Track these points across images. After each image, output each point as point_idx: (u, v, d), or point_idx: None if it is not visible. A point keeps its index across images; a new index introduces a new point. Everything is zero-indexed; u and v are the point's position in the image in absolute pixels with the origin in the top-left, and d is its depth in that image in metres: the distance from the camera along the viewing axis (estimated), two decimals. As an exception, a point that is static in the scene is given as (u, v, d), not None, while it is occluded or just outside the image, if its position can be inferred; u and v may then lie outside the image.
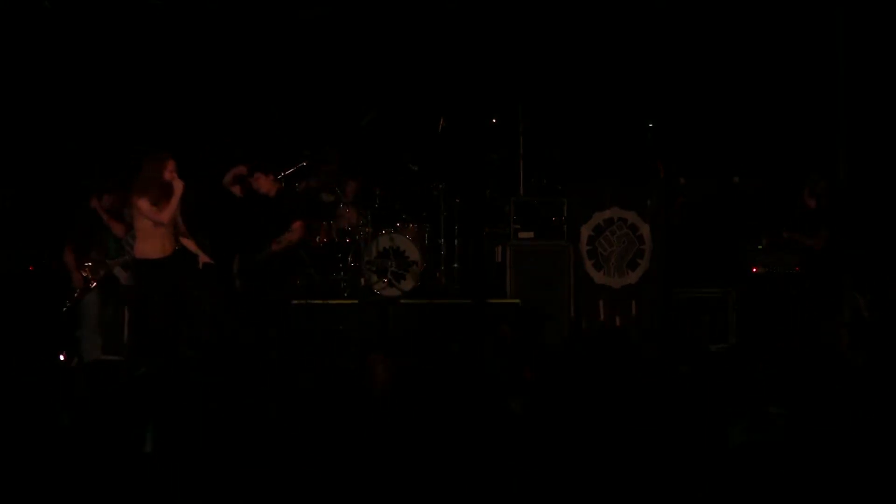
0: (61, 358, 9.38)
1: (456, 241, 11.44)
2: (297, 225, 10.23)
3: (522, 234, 11.25)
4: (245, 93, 11.93)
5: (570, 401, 5.71)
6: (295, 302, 10.32)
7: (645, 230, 10.80)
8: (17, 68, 11.27)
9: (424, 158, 11.74)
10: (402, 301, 10.71)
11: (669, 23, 11.92)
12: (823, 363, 6.57)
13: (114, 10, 11.35)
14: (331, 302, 10.48)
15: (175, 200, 8.61)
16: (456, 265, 11.41)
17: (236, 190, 10.27)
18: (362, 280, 10.88)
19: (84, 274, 9.97)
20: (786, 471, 4.67)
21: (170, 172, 8.63)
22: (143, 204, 8.62)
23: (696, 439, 5.19)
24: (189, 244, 9.04)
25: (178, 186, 8.61)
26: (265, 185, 10.26)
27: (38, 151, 11.42)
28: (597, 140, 11.95)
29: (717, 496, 4.62)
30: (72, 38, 11.35)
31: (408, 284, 10.87)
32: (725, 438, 5.16)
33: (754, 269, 10.77)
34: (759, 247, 10.79)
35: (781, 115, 12.05)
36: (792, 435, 5.04)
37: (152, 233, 8.70)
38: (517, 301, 10.75)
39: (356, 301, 10.66)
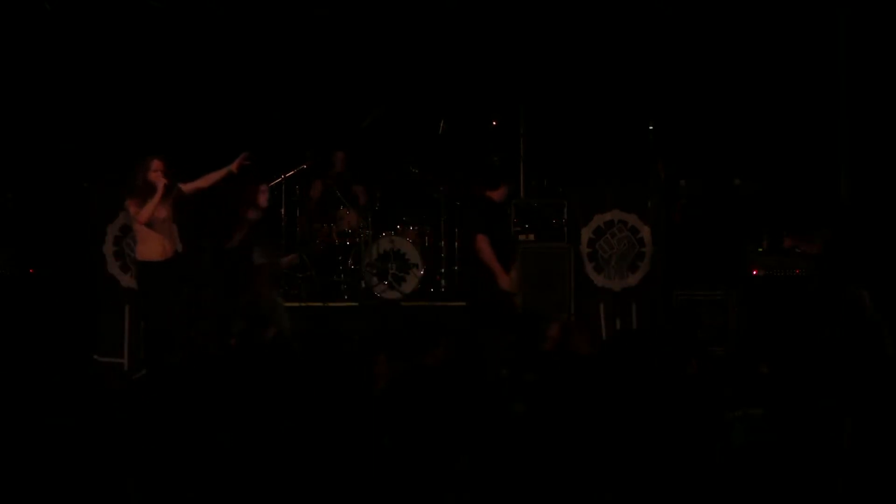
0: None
1: (456, 244, 11.44)
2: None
3: (523, 237, 11.25)
4: (246, 95, 11.93)
5: (570, 402, 5.70)
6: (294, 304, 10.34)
7: (646, 232, 10.77)
8: (17, 68, 11.27)
9: (425, 161, 11.74)
10: (403, 303, 10.70)
11: (670, 24, 11.92)
12: (823, 365, 6.56)
13: (114, 11, 11.35)
14: (331, 304, 10.47)
15: (155, 199, 8.58)
16: (456, 267, 11.40)
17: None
18: (362, 282, 10.88)
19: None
20: (785, 471, 4.66)
21: (153, 173, 8.61)
22: (130, 205, 8.65)
23: (696, 441, 5.18)
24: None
25: (160, 186, 8.58)
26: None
27: (39, 153, 11.41)
28: (597, 142, 11.95)
29: (718, 496, 4.61)
30: (72, 38, 11.34)
31: (408, 287, 10.87)
32: (726, 440, 5.15)
33: (755, 272, 10.75)
34: (760, 249, 10.78)
35: (782, 116, 12.04)
36: (790, 436, 5.04)
37: (149, 234, 8.69)
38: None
39: (356, 304, 10.66)
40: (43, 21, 11.21)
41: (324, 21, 11.87)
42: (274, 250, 9.79)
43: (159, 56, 11.64)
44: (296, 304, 10.48)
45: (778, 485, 4.63)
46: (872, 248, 10.36)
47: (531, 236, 11.23)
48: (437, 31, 11.90)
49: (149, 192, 8.60)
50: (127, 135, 11.25)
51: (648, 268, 10.71)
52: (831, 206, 10.74)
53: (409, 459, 5.07)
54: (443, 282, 11.34)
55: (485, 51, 11.96)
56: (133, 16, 11.41)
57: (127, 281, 10.22)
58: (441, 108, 11.83)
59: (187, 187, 8.86)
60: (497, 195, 9.17)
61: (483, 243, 8.93)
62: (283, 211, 11.21)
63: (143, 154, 8.83)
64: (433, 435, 5.26)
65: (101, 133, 11.45)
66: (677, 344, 7.84)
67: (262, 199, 9.65)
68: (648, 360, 6.82)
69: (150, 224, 8.64)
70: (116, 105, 11.56)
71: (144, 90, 11.61)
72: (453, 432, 5.26)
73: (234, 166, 8.89)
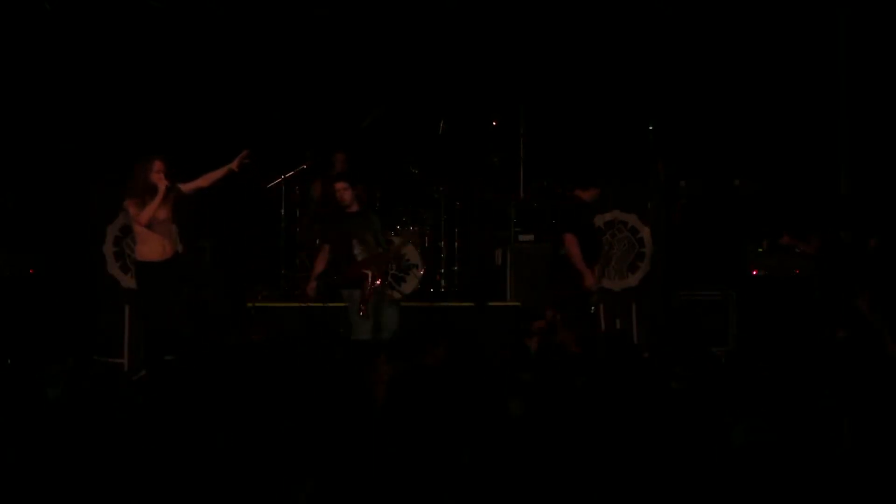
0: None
1: (456, 244, 11.43)
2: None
3: (523, 237, 11.25)
4: (246, 95, 11.93)
5: (570, 404, 5.69)
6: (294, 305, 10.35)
7: (645, 233, 10.77)
8: (17, 68, 11.27)
9: (425, 161, 11.74)
10: (403, 304, 10.68)
11: (670, 25, 11.92)
12: (823, 365, 6.56)
13: (114, 11, 11.35)
14: (330, 305, 10.45)
15: (156, 201, 8.57)
16: (456, 268, 11.39)
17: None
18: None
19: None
20: (785, 471, 4.66)
21: (155, 174, 8.60)
22: (130, 206, 8.64)
23: (695, 442, 5.18)
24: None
25: (162, 187, 8.57)
26: None
27: (39, 153, 11.41)
28: (597, 142, 11.95)
29: (718, 497, 4.61)
30: (72, 38, 11.34)
31: (408, 287, 10.85)
32: (726, 441, 5.15)
33: (754, 272, 10.76)
34: (760, 249, 10.78)
35: (782, 116, 12.05)
36: (791, 436, 5.03)
37: (149, 235, 8.68)
38: (518, 304, 10.74)
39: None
40: (43, 21, 11.21)
41: (324, 21, 11.87)
42: (375, 242, 9.66)
43: (159, 56, 11.63)
44: (296, 305, 10.48)
45: (778, 485, 4.63)
46: (872, 247, 10.36)
47: (531, 237, 11.24)
48: (437, 31, 11.90)
49: (149, 192, 8.60)
50: (127, 135, 11.24)
51: (648, 268, 10.70)
52: (831, 206, 10.74)
53: (409, 460, 5.06)
54: (443, 282, 11.34)
55: (485, 51, 11.95)
56: (133, 16, 11.41)
57: (127, 281, 10.23)
58: (441, 108, 11.82)
59: (187, 187, 8.86)
60: (588, 196, 9.20)
61: (571, 243, 8.93)
62: (282, 211, 11.20)
63: (143, 154, 8.83)
64: (433, 435, 5.26)
65: (101, 133, 11.44)
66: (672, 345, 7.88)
67: (342, 196, 9.64)
68: (637, 360, 6.84)
69: (149, 225, 8.64)
70: (116, 105, 11.55)
71: (144, 90, 11.60)
72: (454, 433, 5.26)
73: (234, 164, 8.89)
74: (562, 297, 9.22)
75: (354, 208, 9.59)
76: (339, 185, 9.62)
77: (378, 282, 9.38)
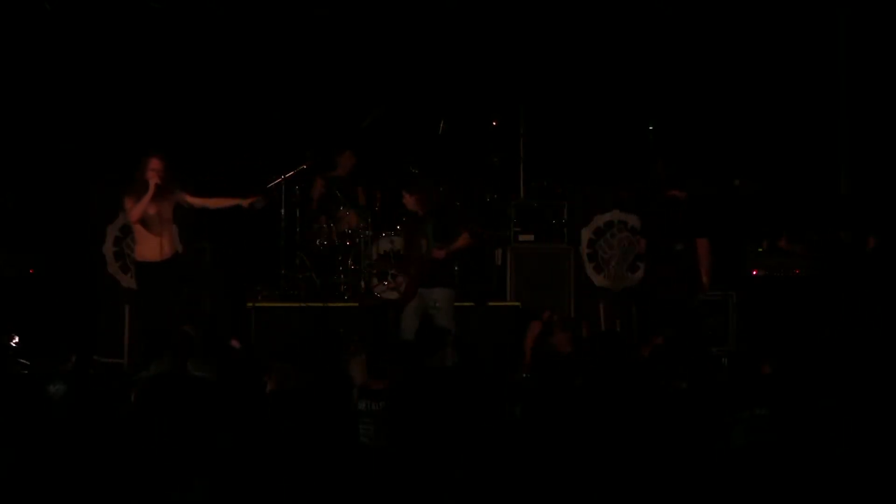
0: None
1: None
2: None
3: (523, 237, 11.25)
4: (246, 95, 11.92)
5: (570, 404, 5.69)
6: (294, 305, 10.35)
7: (646, 232, 10.77)
8: (17, 68, 11.27)
9: (425, 161, 11.73)
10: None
11: (670, 25, 11.92)
12: (823, 365, 6.56)
13: (114, 11, 11.35)
14: (331, 305, 10.46)
15: (146, 198, 8.57)
16: (456, 268, 11.37)
17: None
18: (362, 283, 10.87)
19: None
20: (785, 472, 4.66)
21: (149, 171, 8.60)
22: (126, 202, 8.66)
23: (695, 442, 5.18)
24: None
25: (152, 184, 8.56)
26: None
27: (39, 153, 11.41)
28: (597, 142, 11.95)
29: (718, 497, 4.61)
30: (72, 38, 11.34)
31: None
32: (726, 441, 5.15)
33: (754, 272, 10.76)
34: (760, 249, 10.78)
35: (782, 116, 12.05)
36: (791, 436, 5.03)
37: (148, 235, 8.69)
38: (518, 304, 10.74)
39: (356, 304, 10.64)
40: (43, 21, 11.21)
41: (324, 21, 11.86)
42: (425, 247, 9.69)
43: (159, 56, 11.63)
44: (296, 305, 10.48)
45: (778, 485, 4.63)
46: (872, 247, 10.37)
47: (531, 237, 11.24)
48: (436, 31, 11.90)
49: (143, 190, 8.61)
50: (127, 135, 11.24)
51: (649, 268, 10.69)
52: (831, 206, 10.75)
53: (410, 462, 5.06)
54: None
55: (485, 51, 11.95)
56: (133, 16, 11.40)
57: (127, 281, 10.25)
58: (441, 108, 11.82)
59: (195, 201, 8.90)
60: (683, 195, 9.39)
61: (705, 249, 9.41)
62: (282, 211, 11.20)
63: (144, 154, 8.84)
64: (436, 438, 5.25)
65: (101, 133, 11.45)
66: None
67: (406, 204, 9.78)
68: (630, 360, 6.85)
69: (147, 224, 8.64)
70: (116, 105, 11.55)
71: (145, 90, 11.60)
72: (456, 435, 5.25)
73: (245, 203, 9.02)
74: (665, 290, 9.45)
75: (420, 213, 9.68)
76: (404, 196, 9.71)
77: (406, 284, 9.58)
